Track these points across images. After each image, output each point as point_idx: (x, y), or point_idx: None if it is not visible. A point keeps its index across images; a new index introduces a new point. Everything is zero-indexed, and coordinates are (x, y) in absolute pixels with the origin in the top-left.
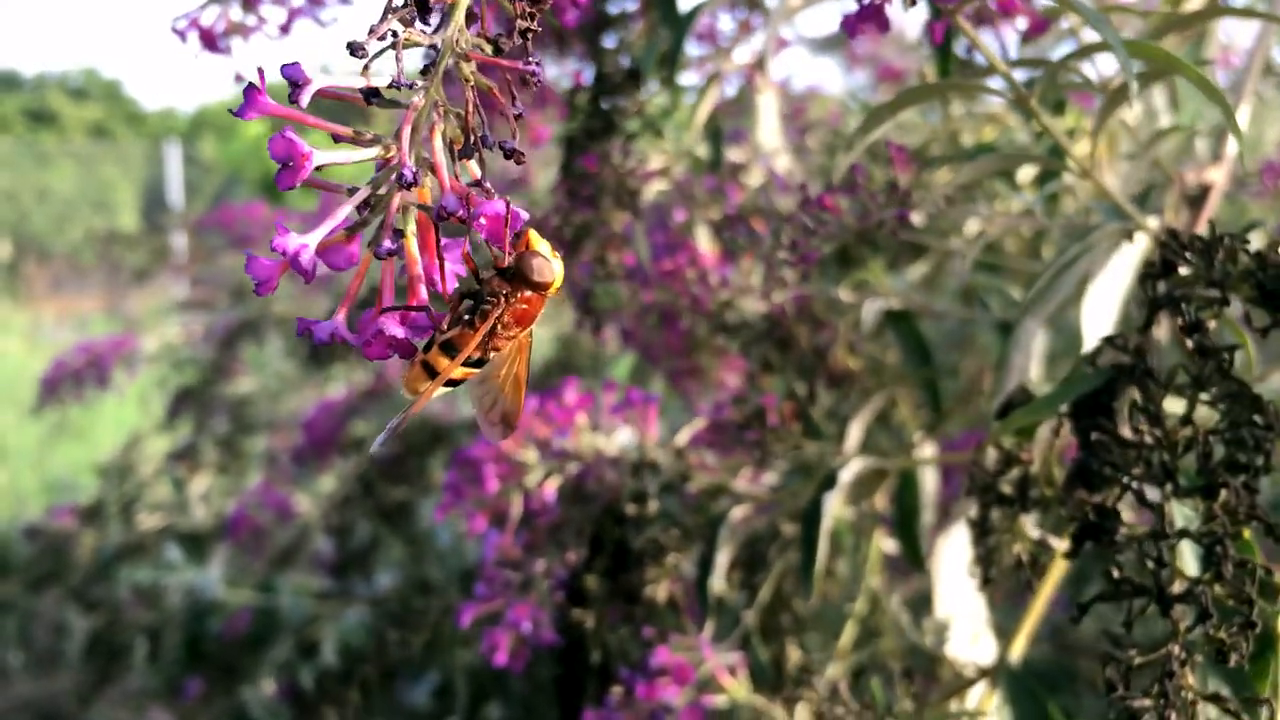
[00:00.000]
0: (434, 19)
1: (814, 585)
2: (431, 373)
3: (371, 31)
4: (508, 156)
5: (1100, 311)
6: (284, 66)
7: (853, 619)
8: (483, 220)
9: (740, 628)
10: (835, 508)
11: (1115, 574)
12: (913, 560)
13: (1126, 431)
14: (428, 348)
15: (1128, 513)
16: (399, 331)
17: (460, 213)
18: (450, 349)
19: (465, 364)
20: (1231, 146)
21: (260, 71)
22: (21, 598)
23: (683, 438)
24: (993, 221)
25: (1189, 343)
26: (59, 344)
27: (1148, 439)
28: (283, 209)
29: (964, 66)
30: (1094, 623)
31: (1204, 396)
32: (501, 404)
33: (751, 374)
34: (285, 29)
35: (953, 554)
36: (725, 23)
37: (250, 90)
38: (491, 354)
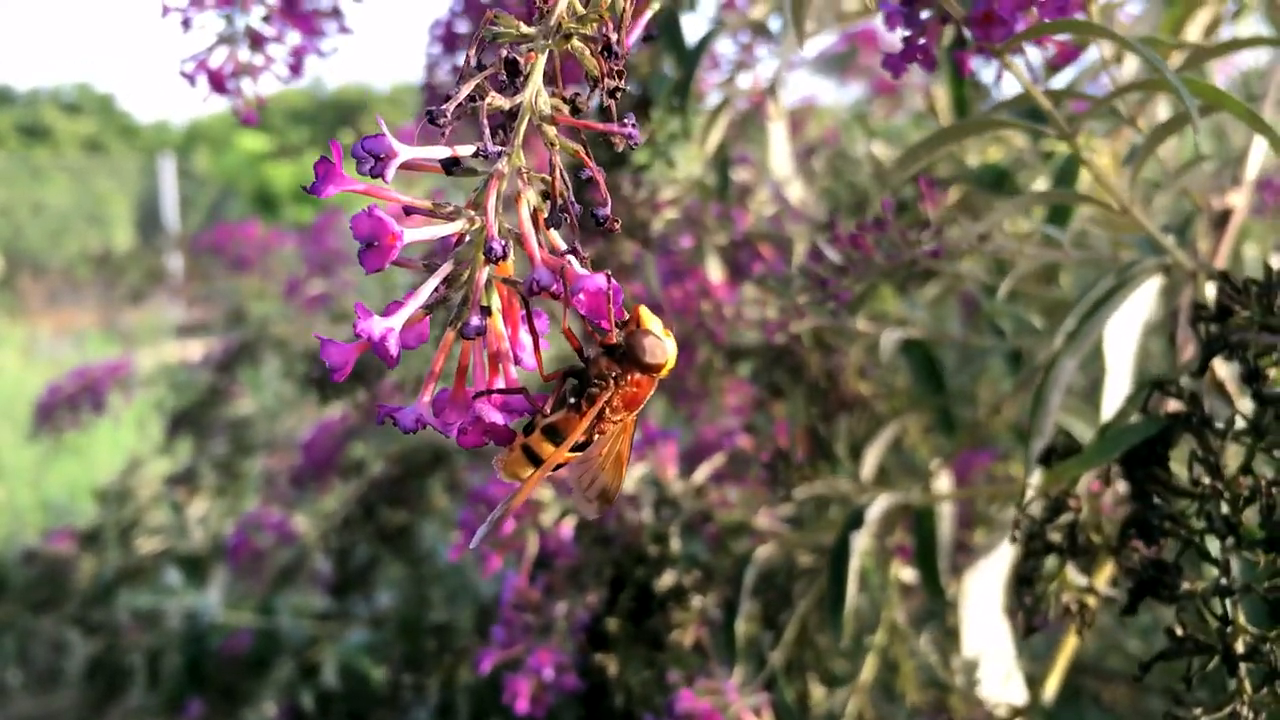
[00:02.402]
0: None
1: (845, 626)
2: (533, 457)
3: (449, 98)
4: (599, 224)
5: (1121, 346)
6: (365, 140)
7: (873, 652)
8: (582, 296)
9: (767, 669)
10: (863, 544)
11: (1179, 631)
12: (933, 592)
13: (1182, 481)
14: (528, 430)
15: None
16: (498, 418)
17: (554, 287)
18: (554, 434)
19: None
20: (1250, 171)
21: (335, 145)
22: (20, 617)
23: (701, 474)
24: (1022, 254)
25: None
26: (56, 359)
27: (1207, 490)
28: (276, 226)
29: (975, 90)
30: (1096, 640)
31: (1263, 445)
32: (600, 481)
33: (760, 400)
34: (295, 69)
35: (980, 591)
36: (726, 47)
37: (324, 165)
38: (596, 436)
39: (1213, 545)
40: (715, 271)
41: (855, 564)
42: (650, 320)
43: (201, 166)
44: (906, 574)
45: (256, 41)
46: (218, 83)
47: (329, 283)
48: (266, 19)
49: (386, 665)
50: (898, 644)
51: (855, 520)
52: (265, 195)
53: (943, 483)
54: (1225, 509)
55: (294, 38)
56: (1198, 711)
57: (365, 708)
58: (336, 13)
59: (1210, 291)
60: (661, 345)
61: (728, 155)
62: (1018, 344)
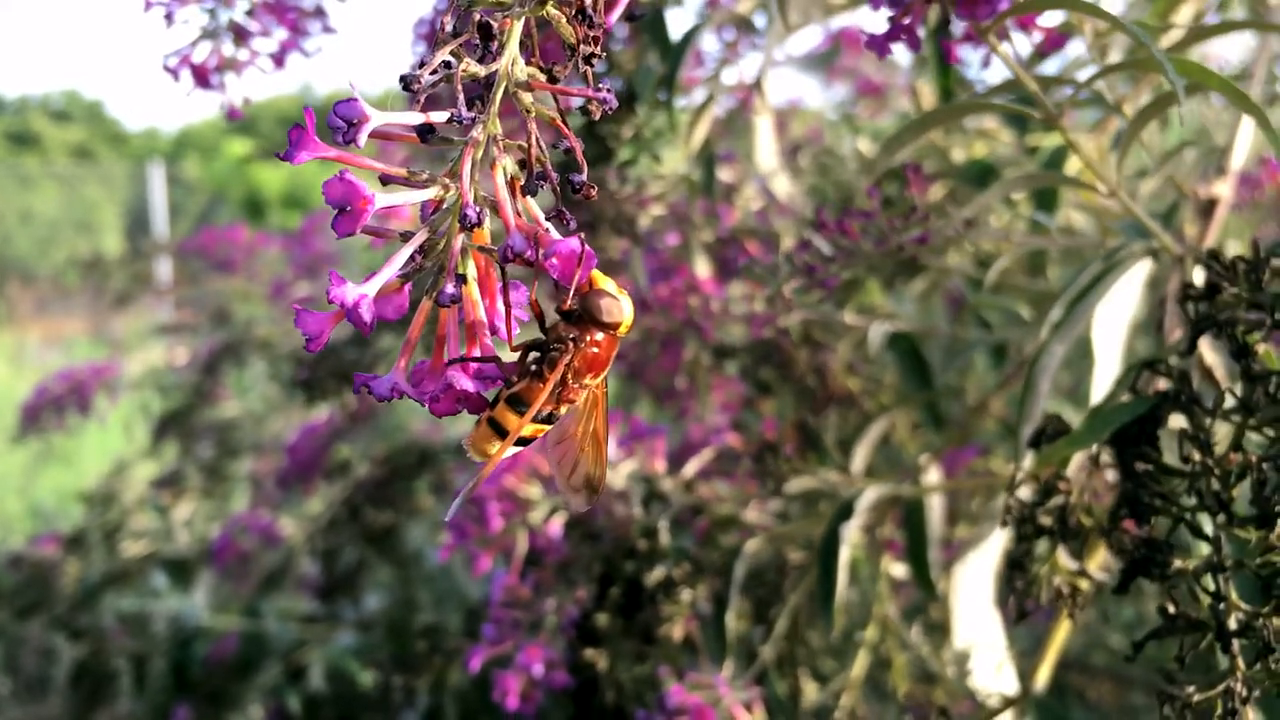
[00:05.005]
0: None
1: (835, 618)
2: (499, 430)
3: (424, 64)
4: (575, 192)
5: (1109, 332)
6: (338, 105)
7: (864, 647)
8: (554, 261)
9: (757, 663)
10: (852, 537)
11: (1171, 609)
12: (924, 586)
13: (1172, 460)
14: (494, 403)
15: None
16: (469, 385)
17: (528, 253)
18: (518, 404)
19: (536, 420)
20: (1236, 160)
21: (309, 111)
22: (8, 624)
23: (690, 469)
24: (1009, 242)
25: (1235, 367)
26: (45, 366)
27: (1198, 467)
28: (263, 230)
29: (960, 85)
30: (1080, 636)
31: (1252, 422)
32: (583, 466)
33: (749, 398)
34: (279, 61)
35: (970, 582)
36: (710, 43)
37: (297, 131)
38: (564, 408)
39: (1204, 522)
40: (702, 268)
41: (845, 555)
42: (604, 281)
43: (191, 173)
44: (897, 569)
45: (240, 36)
46: (201, 77)
47: (315, 285)
48: (250, 13)
49: (375, 668)
50: (889, 639)
51: (845, 511)
52: (254, 201)
53: (932, 477)
54: (1216, 486)
55: (279, 33)
56: (1190, 689)
57: (353, 711)
58: (320, 11)
59: (1198, 273)
60: (618, 303)
61: (713, 152)
62: (1003, 336)
